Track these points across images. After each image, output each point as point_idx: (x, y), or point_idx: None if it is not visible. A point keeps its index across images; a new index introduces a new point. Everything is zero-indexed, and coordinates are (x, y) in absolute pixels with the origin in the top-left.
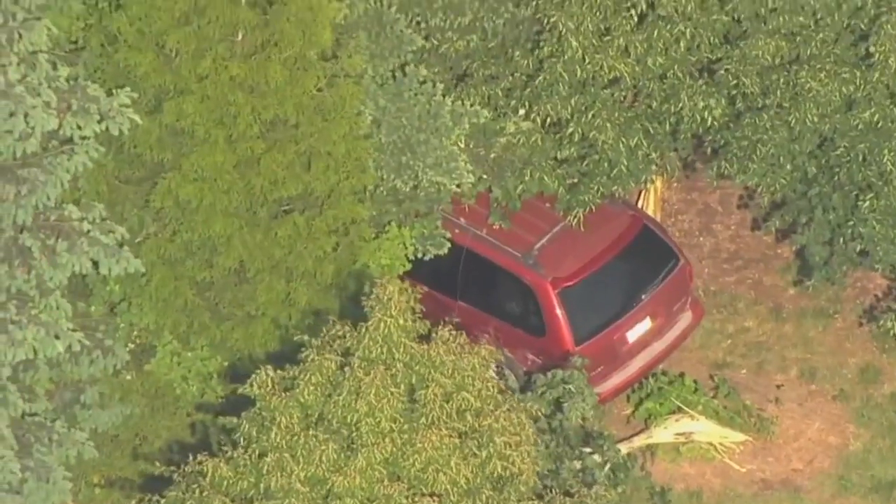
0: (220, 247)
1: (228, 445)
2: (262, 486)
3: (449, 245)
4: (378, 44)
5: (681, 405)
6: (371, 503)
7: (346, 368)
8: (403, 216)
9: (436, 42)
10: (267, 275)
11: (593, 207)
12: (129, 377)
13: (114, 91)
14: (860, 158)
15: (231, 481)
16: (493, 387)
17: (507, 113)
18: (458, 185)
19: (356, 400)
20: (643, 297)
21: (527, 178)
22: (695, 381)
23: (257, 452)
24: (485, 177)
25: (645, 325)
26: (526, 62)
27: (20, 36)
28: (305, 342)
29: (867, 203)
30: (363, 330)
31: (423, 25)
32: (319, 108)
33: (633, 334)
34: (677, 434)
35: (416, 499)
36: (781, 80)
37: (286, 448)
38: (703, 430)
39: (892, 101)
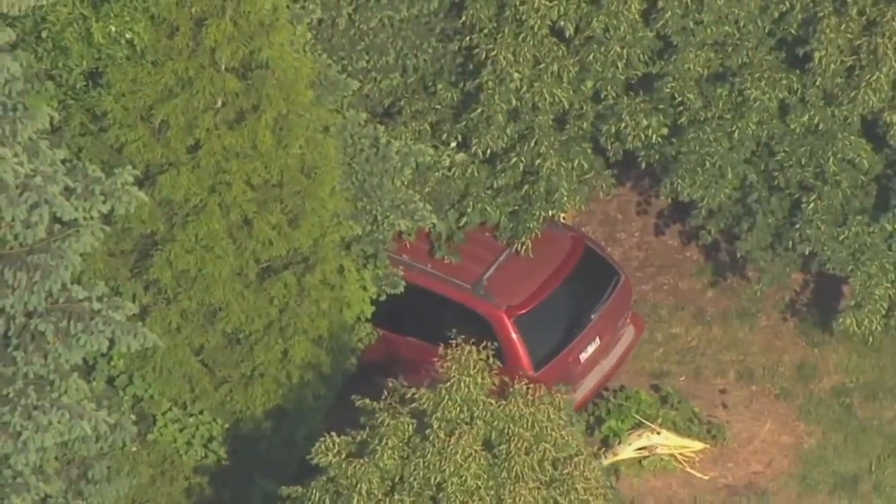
0: (220, 312)
1: None
2: None
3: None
4: (314, 91)
5: (642, 420)
6: None
7: (428, 430)
8: (353, 259)
9: (359, 83)
10: (263, 335)
11: (538, 233)
12: (133, 449)
13: (115, 170)
14: (801, 162)
15: None
16: (567, 434)
17: (437, 146)
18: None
19: (441, 461)
20: (592, 316)
21: (469, 210)
22: (650, 395)
23: None
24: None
25: (595, 344)
26: (450, 95)
27: (23, 124)
28: (367, 405)
29: (811, 205)
30: (442, 391)
31: (349, 69)
32: (301, 166)
33: (585, 354)
34: (640, 448)
35: None
36: (724, 92)
37: None
38: (664, 442)
39: (826, 102)
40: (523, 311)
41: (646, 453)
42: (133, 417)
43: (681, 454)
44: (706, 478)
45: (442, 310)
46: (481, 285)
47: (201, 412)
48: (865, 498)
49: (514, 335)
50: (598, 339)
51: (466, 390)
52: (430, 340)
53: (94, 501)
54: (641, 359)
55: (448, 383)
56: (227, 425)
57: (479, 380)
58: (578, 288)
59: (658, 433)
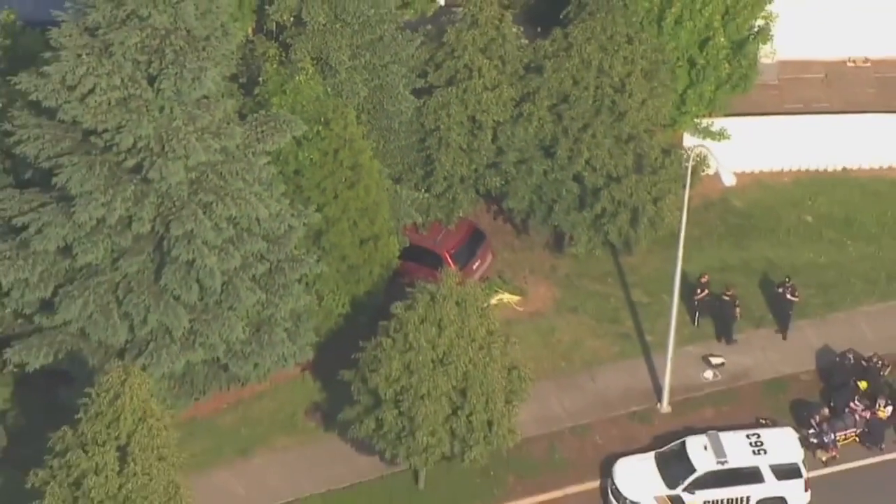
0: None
1: (385, 336)
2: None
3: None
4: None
5: (497, 288)
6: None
7: (438, 299)
8: (393, 233)
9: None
10: (364, 266)
11: (456, 222)
12: (313, 307)
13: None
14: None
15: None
16: (496, 318)
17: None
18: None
19: (443, 311)
20: (478, 252)
21: (428, 217)
22: (499, 279)
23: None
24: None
25: (479, 262)
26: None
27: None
28: (412, 290)
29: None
30: (442, 285)
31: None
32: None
33: (475, 265)
34: (498, 299)
35: (470, 382)
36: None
37: (416, 337)
38: (505, 297)
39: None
40: (453, 251)
41: (498, 301)
42: (315, 297)
43: (512, 301)
44: (521, 310)
45: (423, 252)
46: (437, 241)
47: (342, 294)
48: (580, 314)
49: (449, 260)
50: (480, 261)
51: (451, 286)
52: (419, 263)
53: (303, 330)
54: (494, 268)
55: (445, 284)
56: (350, 297)
57: (454, 284)
58: (472, 241)
59: (502, 293)
